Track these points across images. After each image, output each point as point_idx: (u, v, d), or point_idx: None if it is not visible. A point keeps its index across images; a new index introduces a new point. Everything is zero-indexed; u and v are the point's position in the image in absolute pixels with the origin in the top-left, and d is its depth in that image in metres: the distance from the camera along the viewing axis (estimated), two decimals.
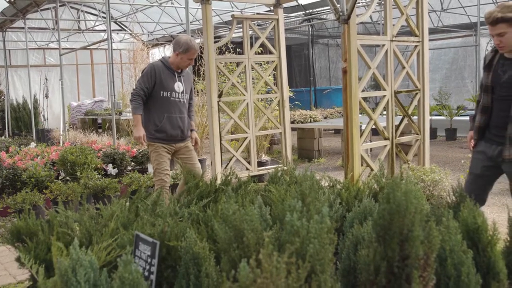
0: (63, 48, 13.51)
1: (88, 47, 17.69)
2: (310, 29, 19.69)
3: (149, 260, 2.34)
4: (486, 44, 12.75)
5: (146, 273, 2.33)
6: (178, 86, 5.31)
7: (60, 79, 12.66)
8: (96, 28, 18.99)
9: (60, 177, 7.22)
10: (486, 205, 6.24)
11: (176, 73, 5.32)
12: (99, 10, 18.33)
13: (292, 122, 10.29)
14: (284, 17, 17.37)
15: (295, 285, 1.59)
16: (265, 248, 1.50)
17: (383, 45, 5.31)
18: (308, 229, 1.81)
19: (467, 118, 12.98)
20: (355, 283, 2.27)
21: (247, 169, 7.10)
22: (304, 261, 1.64)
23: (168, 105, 5.27)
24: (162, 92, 5.23)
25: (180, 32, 19.57)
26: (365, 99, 5.61)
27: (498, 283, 2.30)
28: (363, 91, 5.53)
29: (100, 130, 15.46)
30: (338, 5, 4.55)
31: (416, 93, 5.71)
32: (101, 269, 2.04)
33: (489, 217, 4.53)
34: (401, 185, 2.05)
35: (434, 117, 13.11)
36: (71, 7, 17.78)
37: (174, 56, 5.27)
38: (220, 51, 9.46)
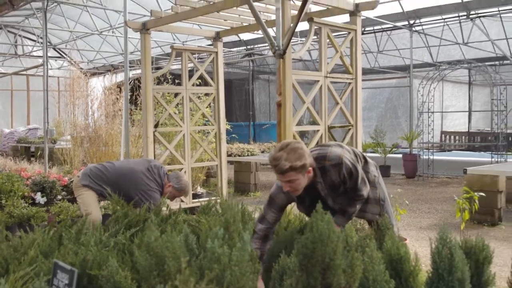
0: None
1: (24, 73, 17.22)
2: (251, 64, 19.97)
3: None
4: (418, 85, 13.30)
5: None
6: None
7: None
8: (34, 53, 18.55)
9: None
10: (415, 239, 6.42)
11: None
12: (38, 36, 17.94)
13: (229, 155, 10.28)
14: (226, 52, 17.58)
15: None
16: (182, 274, 1.47)
17: (318, 80, 5.43)
18: (230, 257, 1.79)
19: (400, 155, 13.37)
20: None
21: (182, 200, 7.00)
22: None
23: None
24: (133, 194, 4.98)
25: (120, 62, 19.40)
26: (302, 134, 5.68)
27: None
28: (299, 124, 5.60)
29: (32, 159, 14.93)
30: (274, 40, 4.64)
31: (349, 129, 5.84)
32: None
33: (418, 251, 4.64)
34: (325, 215, 2.07)
35: (369, 154, 13.37)
36: (8, 31, 17.34)
37: (166, 185, 5.14)
38: (159, 82, 9.42)
